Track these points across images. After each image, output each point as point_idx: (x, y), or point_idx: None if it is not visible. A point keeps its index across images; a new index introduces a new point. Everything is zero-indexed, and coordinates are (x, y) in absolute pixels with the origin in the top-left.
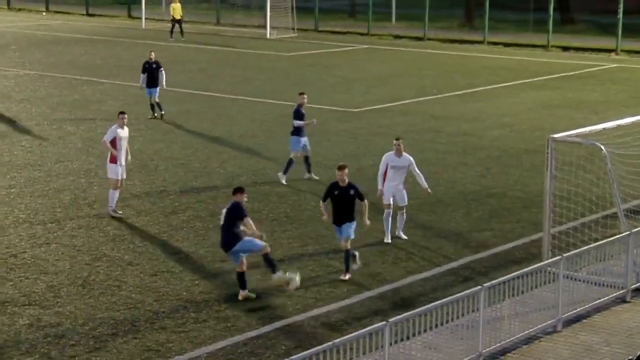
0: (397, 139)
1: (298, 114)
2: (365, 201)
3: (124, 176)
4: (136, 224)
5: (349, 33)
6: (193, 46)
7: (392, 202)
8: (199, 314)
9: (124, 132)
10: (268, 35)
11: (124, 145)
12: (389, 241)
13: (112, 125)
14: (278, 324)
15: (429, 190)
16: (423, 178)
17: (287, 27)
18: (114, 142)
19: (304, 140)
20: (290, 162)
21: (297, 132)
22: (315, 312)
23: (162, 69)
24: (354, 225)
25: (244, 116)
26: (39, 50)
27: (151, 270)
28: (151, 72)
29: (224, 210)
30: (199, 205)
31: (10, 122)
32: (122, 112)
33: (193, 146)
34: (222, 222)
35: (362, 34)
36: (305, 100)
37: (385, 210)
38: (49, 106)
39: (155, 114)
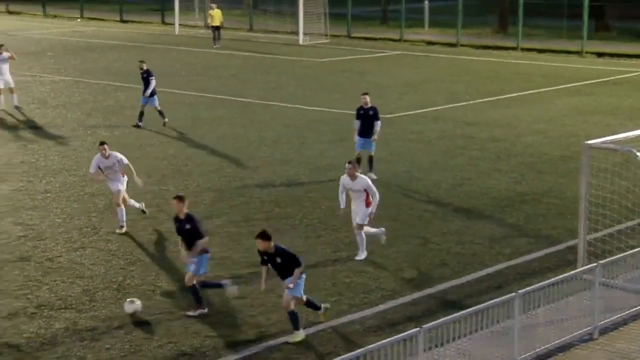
0: (348, 162)
1: (356, 114)
2: (204, 240)
3: (123, 194)
4: (170, 229)
5: (381, 39)
6: (226, 52)
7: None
8: (232, 319)
9: (106, 162)
10: (301, 42)
11: (110, 174)
12: (360, 259)
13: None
14: (312, 329)
15: (371, 215)
16: (376, 203)
17: (320, 33)
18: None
19: (362, 140)
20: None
21: (359, 132)
22: (349, 317)
23: (151, 77)
24: (201, 261)
25: (276, 122)
26: (74, 57)
27: (185, 275)
28: (143, 81)
29: None
30: (232, 211)
31: (46, 127)
32: (103, 143)
33: (226, 152)
34: None
35: (394, 40)
36: (365, 100)
37: (355, 231)
38: (84, 112)
39: (141, 123)
